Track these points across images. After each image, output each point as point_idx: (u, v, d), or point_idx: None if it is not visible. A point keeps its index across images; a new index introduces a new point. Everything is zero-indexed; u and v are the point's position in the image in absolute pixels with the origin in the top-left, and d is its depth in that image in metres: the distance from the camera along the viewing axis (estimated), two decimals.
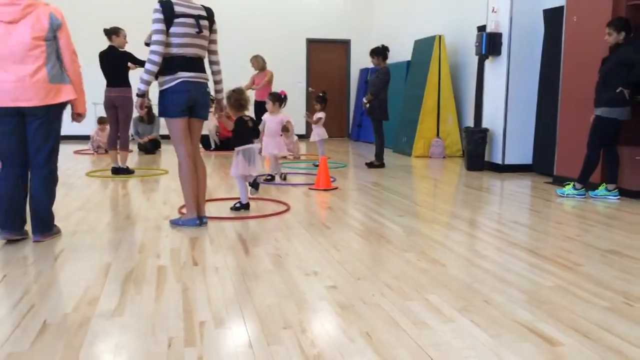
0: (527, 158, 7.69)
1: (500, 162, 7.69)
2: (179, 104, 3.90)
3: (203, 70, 3.99)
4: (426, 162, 8.77)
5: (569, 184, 5.83)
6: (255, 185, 4.71)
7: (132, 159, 8.66)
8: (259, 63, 9.25)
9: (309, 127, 11.89)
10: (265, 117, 6.34)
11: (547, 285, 2.91)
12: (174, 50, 3.82)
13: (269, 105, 6.32)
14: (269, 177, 6.38)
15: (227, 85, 4.49)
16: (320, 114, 7.77)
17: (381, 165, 7.89)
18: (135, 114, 8.42)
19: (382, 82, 7.63)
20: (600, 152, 5.65)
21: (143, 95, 3.87)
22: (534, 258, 3.44)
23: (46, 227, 3.72)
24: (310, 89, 13.39)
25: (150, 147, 9.74)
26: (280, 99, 6.31)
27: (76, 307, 2.54)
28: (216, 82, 4.18)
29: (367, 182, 6.56)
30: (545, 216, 4.83)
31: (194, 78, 3.91)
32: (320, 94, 8.16)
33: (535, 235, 4.05)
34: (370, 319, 2.41)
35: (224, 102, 4.38)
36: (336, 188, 6.08)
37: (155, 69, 3.80)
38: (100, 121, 9.74)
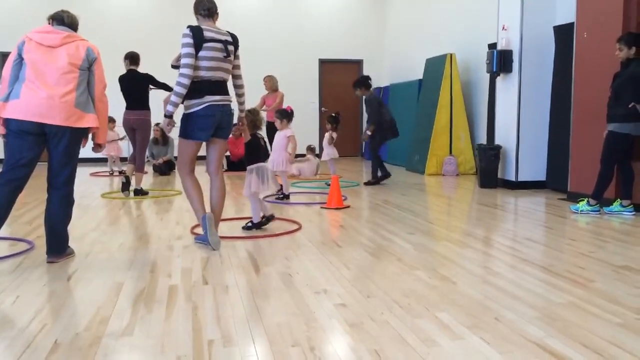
0: (540, 174, 7.64)
1: (513, 179, 7.65)
2: (205, 127, 4.00)
3: (227, 93, 4.12)
4: (439, 180, 8.74)
5: (583, 200, 5.78)
6: (267, 220, 4.79)
7: (147, 180, 8.77)
8: (272, 84, 9.24)
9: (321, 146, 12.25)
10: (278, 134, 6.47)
11: (559, 302, 2.88)
12: (202, 74, 3.92)
13: (277, 122, 6.38)
14: (281, 196, 6.40)
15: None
16: (332, 135, 7.85)
17: (377, 182, 7.97)
18: (152, 135, 8.61)
19: (374, 107, 7.68)
20: (614, 168, 5.60)
21: (171, 116, 3.95)
22: (547, 275, 3.41)
23: (60, 247, 3.77)
24: (323, 109, 13.45)
25: (165, 169, 9.87)
26: (287, 115, 6.36)
27: (87, 326, 2.56)
28: (240, 104, 4.35)
29: (379, 200, 6.56)
30: (559, 233, 4.78)
31: (220, 101, 4.02)
32: (333, 114, 8.24)
33: (548, 252, 4.02)
34: (379, 337, 2.41)
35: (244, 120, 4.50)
36: (348, 207, 6.08)
37: (184, 91, 3.88)
38: (109, 120, 9.89)
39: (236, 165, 9.85)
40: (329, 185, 7.41)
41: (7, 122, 3.52)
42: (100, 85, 3.70)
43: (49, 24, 3.72)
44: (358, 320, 2.61)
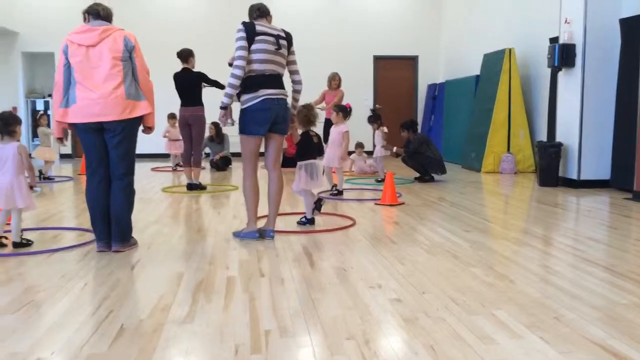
0: (604, 173, 7.36)
1: (575, 177, 7.40)
2: (261, 122, 4.00)
3: (282, 87, 4.10)
4: (496, 178, 8.54)
5: None
6: (318, 206, 4.78)
7: (205, 175, 8.94)
8: (336, 82, 9.08)
9: (373, 145, 11.97)
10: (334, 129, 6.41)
11: (623, 303, 2.78)
12: (256, 67, 3.94)
13: (332, 116, 6.38)
14: (336, 192, 6.40)
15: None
16: (383, 130, 7.76)
17: (431, 178, 7.94)
18: (207, 133, 8.70)
19: (416, 143, 7.83)
20: None
21: (226, 107, 3.99)
22: (610, 275, 3.29)
23: (125, 237, 3.91)
24: (377, 106, 13.05)
25: (222, 164, 10.01)
26: (344, 110, 6.34)
27: (151, 313, 2.66)
28: (295, 100, 4.34)
29: (434, 197, 6.46)
30: (624, 233, 4.60)
31: (275, 95, 4.01)
32: (371, 113, 8.03)
33: (612, 252, 3.87)
34: (435, 333, 2.39)
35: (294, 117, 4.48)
36: (402, 203, 6.02)
37: (237, 82, 3.92)
38: (171, 117, 10.03)
39: (289, 160, 9.86)
40: (380, 182, 7.48)
41: (74, 125, 3.71)
42: (143, 71, 3.79)
43: (85, 18, 3.79)
44: (413, 316, 2.60)
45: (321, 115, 7.56)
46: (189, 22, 13.05)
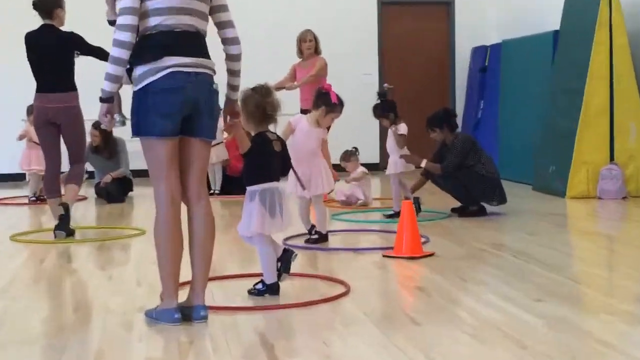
0: None
1: None
2: (167, 111, 2.68)
3: (206, 54, 2.78)
4: (592, 207, 6.12)
5: None
6: (284, 263, 3.23)
7: (88, 210, 6.43)
8: (310, 44, 6.23)
9: (383, 154, 7.65)
10: (299, 126, 4.33)
11: None
12: (154, 20, 2.66)
13: (312, 113, 4.37)
14: (316, 237, 4.54)
15: (243, 83, 3.07)
16: (401, 129, 5.27)
17: (479, 210, 5.57)
18: (89, 138, 6.17)
19: (459, 149, 5.37)
20: None
21: (109, 99, 2.72)
22: None
23: None
24: (386, 85, 8.49)
25: (115, 192, 6.72)
26: (324, 99, 4.32)
27: None
28: (231, 73, 2.92)
29: (485, 242, 4.66)
30: None
31: (191, 66, 2.70)
32: (380, 98, 5.59)
33: None
34: None
35: (238, 107, 3.05)
36: (431, 254, 4.36)
37: (125, 54, 2.64)
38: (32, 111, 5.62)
39: (235, 182, 6.64)
40: (392, 216, 5.34)
41: None
42: None
43: None
44: None
45: (292, 103, 5.14)
46: None
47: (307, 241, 4.44)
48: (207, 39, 2.78)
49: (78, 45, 4.71)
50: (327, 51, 6.51)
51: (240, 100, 3.05)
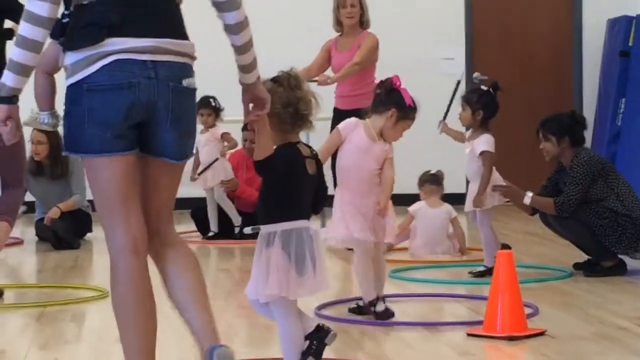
0: None
1: None
2: (108, 118, 2.10)
3: (177, 32, 2.11)
4: None
5: None
6: (317, 343, 2.39)
7: (25, 260, 5.15)
8: (355, 10, 4.62)
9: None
10: (353, 138, 3.25)
11: None
12: None
13: (373, 118, 3.28)
14: (375, 303, 3.36)
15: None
16: (482, 143, 4.04)
17: (616, 266, 4.15)
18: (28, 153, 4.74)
19: (581, 174, 4.25)
20: None
21: (10, 99, 2.11)
22: None
23: None
24: (476, 75, 4.71)
25: (66, 232, 5.21)
26: (392, 95, 3.20)
27: None
28: (236, 50, 2.19)
29: (626, 316, 3.50)
30: None
31: (148, 52, 2.09)
32: (481, 89, 4.02)
33: None
34: None
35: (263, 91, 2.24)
36: (540, 333, 3.16)
37: (40, 34, 2.05)
38: None
39: (248, 220, 5.02)
40: (483, 274, 4.14)
41: None
42: None
43: None
44: None
45: (327, 99, 3.56)
46: None
47: (353, 310, 3.28)
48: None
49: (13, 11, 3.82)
50: (385, 24, 4.94)
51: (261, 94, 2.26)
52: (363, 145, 3.19)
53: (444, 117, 4.29)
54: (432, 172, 4.81)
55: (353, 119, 3.22)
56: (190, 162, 5.24)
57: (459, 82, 4.45)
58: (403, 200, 4.57)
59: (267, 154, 2.18)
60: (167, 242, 2.17)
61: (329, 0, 4.77)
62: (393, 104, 3.13)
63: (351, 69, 4.51)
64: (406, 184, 4.47)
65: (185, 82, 2.04)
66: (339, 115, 4.15)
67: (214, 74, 5.00)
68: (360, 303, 3.26)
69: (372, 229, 3.17)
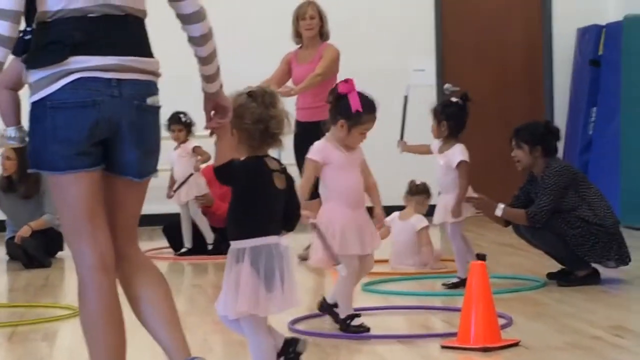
0: None
1: None
2: (71, 136, 2.09)
3: (142, 50, 2.12)
4: None
5: None
6: (293, 355, 2.41)
7: None
8: (314, 22, 4.58)
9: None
10: (331, 160, 3.22)
11: None
12: (56, 4, 2.05)
13: (331, 131, 3.26)
14: (345, 318, 3.33)
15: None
16: (458, 153, 4.04)
17: (590, 275, 4.16)
18: None
19: (554, 184, 4.12)
20: None
21: None
22: None
23: None
24: (447, 87, 5.48)
25: (37, 251, 5.19)
26: (345, 110, 3.14)
27: None
28: (200, 60, 2.21)
29: (599, 325, 3.52)
30: None
31: (112, 70, 2.09)
32: (450, 100, 4.05)
33: None
34: None
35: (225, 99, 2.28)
36: (514, 344, 3.15)
37: (9, 29, 2.01)
38: None
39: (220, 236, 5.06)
40: (456, 286, 4.10)
41: None
42: None
43: None
44: None
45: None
46: None
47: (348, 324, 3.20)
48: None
49: None
50: (358, 36, 4.95)
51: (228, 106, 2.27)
52: (343, 161, 3.19)
53: (401, 137, 4.30)
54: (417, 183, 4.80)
55: (318, 143, 3.21)
56: (165, 179, 5.17)
57: (406, 98, 4.45)
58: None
59: (224, 161, 2.20)
60: (135, 264, 2.16)
61: (289, 13, 4.76)
62: (339, 114, 3.11)
63: (314, 79, 4.50)
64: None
65: (149, 100, 2.05)
66: (301, 128, 4.12)
67: (186, 88, 4.99)
68: None
69: (363, 242, 3.18)
